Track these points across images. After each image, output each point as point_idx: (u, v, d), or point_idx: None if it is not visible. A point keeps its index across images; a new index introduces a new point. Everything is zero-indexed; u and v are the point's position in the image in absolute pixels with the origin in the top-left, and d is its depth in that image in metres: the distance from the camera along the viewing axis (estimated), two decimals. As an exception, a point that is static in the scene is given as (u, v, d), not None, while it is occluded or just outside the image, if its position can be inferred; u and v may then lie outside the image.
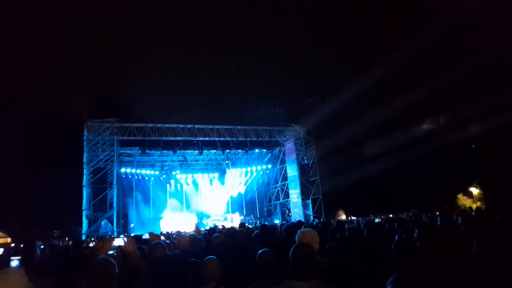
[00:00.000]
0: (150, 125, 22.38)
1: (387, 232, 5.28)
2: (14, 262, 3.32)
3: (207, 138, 23.80)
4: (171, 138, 22.93)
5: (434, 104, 28.50)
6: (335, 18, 33.37)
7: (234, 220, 23.81)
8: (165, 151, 24.33)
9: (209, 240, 5.33)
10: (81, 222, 20.35)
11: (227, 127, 24.37)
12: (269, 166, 29.04)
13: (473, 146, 22.57)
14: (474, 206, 28.15)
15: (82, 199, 20.57)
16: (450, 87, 25.16)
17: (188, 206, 27.75)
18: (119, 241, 3.37)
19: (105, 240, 3.51)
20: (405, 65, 27.36)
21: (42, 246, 8.04)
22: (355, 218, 22.52)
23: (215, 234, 4.86)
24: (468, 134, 24.01)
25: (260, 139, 25.42)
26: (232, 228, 5.39)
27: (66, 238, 18.15)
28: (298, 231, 3.57)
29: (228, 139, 24.34)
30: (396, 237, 3.20)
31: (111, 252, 3.30)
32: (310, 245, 2.80)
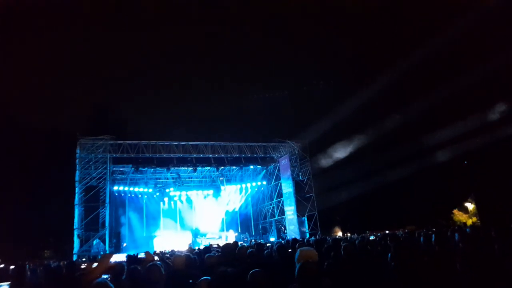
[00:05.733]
0: (143, 142, 22.31)
1: (381, 250, 5.26)
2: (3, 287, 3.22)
3: (201, 155, 23.74)
4: (165, 155, 22.83)
5: (429, 120, 28.88)
6: (330, 33, 34.05)
7: (228, 238, 23.54)
8: (159, 169, 24.16)
9: (204, 260, 5.23)
10: (73, 242, 19.97)
11: (221, 143, 24.35)
12: (264, 182, 28.93)
13: (465, 162, 22.76)
14: (469, 221, 28.20)
15: (73, 218, 20.25)
16: (444, 104, 25.58)
17: (182, 224, 27.39)
18: (116, 258, 3.30)
19: (102, 257, 3.41)
20: (399, 82, 27.83)
21: (32, 268, 7.86)
22: (349, 235, 22.40)
23: (207, 254, 4.76)
24: (462, 150, 24.26)
25: (255, 155, 25.42)
26: (229, 245, 5.27)
27: (57, 261, 17.75)
28: (298, 249, 3.54)
29: (223, 155, 24.29)
30: (389, 255, 3.22)
31: (105, 276, 3.22)
32: (315, 263, 2.85)
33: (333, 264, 4.22)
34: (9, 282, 3.32)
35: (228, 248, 4.86)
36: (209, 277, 3.05)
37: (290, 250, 5.93)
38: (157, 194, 26.52)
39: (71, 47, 31.81)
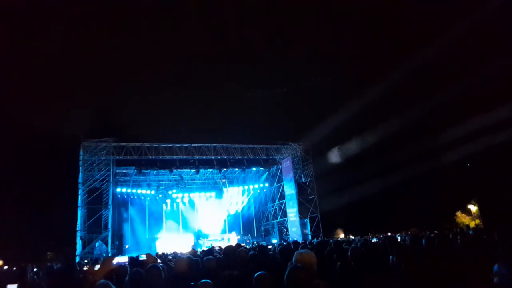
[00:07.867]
0: (146, 144, 22.35)
1: (383, 253, 5.24)
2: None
3: (204, 157, 23.74)
4: (168, 157, 22.86)
5: (432, 122, 28.83)
6: (335, 36, 34.10)
7: (231, 240, 23.51)
8: (162, 171, 24.20)
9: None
10: (75, 244, 20.00)
11: (224, 145, 24.35)
12: (266, 184, 28.90)
13: (468, 164, 22.64)
14: (472, 223, 28.04)
15: (76, 220, 20.30)
16: (446, 105, 25.52)
17: (184, 226, 27.40)
18: (119, 260, 3.33)
19: (105, 260, 3.41)
20: (402, 83, 27.78)
21: (35, 269, 7.89)
22: (352, 237, 22.29)
23: (206, 258, 4.72)
24: (465, 151, 24.15)
25: (257, 157, 25.38)
26: (231, 247, 5.24)
27: (59, 264, 17.79)
28: (296, 252, 3.49)
29: (225, 157, 24.28)
30: (390, 258, 3.20)
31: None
32: (305, 268, 2.76)
33: (336, 267, 4.20)
34: (17, 285, 3.35)
35: (230, 251, 4.83)
36: (209, 280, 3.04)
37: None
38: (160, 196, 26.56)
39: (74, 50, 32.00)
